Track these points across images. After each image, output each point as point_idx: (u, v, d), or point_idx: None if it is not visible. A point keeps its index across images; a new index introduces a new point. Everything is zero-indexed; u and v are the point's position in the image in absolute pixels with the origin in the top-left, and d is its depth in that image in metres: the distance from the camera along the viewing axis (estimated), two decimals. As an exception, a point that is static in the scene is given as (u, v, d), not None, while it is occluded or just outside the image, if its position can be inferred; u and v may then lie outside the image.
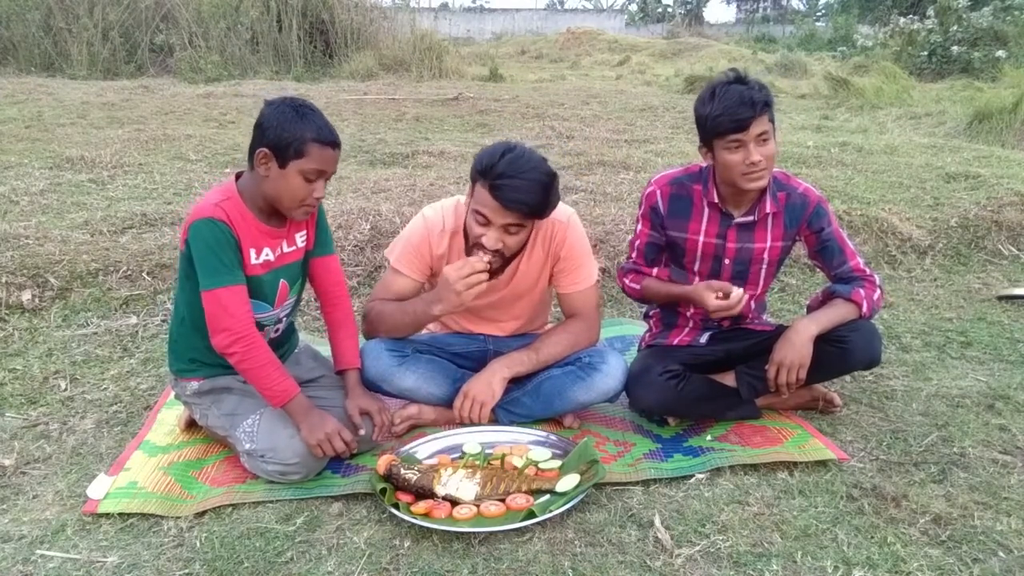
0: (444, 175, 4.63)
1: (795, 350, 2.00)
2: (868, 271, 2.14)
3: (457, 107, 7.95)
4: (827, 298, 2.16)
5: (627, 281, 2.27)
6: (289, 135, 1.72)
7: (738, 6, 42.90)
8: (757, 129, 1.93)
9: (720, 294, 2.03)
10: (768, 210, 2.11)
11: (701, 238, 2.15)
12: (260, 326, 1.92)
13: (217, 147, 5.40)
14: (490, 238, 1.93)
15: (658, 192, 2.17)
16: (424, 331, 2.40)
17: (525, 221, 1.94)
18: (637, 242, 2.25)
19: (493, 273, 2.02)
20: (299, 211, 1.83)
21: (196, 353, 1.95)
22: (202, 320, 1.83)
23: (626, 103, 8.73)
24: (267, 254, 1.89)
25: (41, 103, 7.11)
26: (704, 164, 2.16)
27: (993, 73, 10.57)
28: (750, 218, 2.12)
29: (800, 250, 2.39)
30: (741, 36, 28.67)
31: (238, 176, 1.88)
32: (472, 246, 2.00)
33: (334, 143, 1.79)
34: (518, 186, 1.86)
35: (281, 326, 2.03)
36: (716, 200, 2.10)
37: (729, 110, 1.93)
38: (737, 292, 2.02)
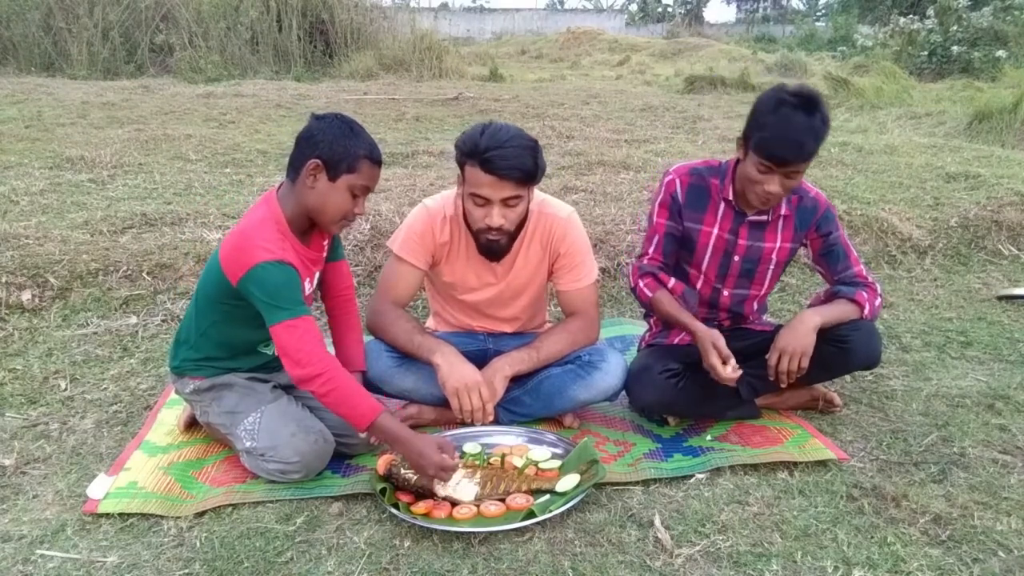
0: (444, 175, 4.63)
1: (798, 338, 2.00)
2: (870, 279, 2.15)
3: (457, 107, 7.95)
4: (829, 298, 2.17)
5: (641, 284, 2.17)
6: (343, 149, 1.74)
7: (738, 6, 42.93)
8: (792, 168, 1.91)
9: (721, 357, 1.98)
10: (782, 212, 2.11)
11: (715, 231, 2.14)
12: None
13: (217, 147, 5.40)
14: (494, 217, 1.95)
15: (677, 181, 2.15)
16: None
17: (521, 190, 1.95)
18: (656, 236, 2.17)
19: (500, 253, 2.06)
20: (337, 225, 1.85)
21: (212, 359, 1.95)
22: (232, 335, 1.88)
23: (626, 103, 8.73)
24: (316, 278, 1.93)
25: (41, 103, 7.10)
26: (722, 160, 2.16)
27: (993, 73, 10.57)
28: (763, 217, 2.12)
29: (801, 251, 2.39)
30: (741, 36, 28.68)
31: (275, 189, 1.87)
32: (477, 232, 2.01)
33: (381, 161, 1.83)
34: (507, 154, 1.88)
35: None
36: (731, 197, 2.10)
37: (779, 142, 1.87)
38: (734, 367, 1.98)
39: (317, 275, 1.97)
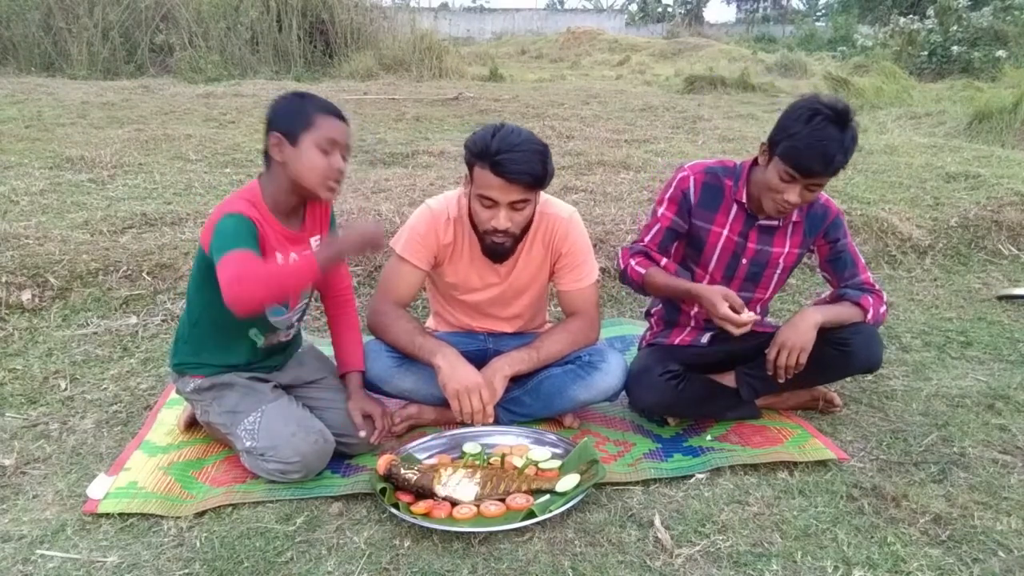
0: (444, 175, 4.63)
1: (798, 333, 1.99)
2: (877, 287, 2.14)
3: (457, 107, 7.95)
4: (834, 300, 2.16)
5: (633, 263, 2.14)
6: (294, 113, 1.78)
7: (738, 6, 42.99)
8: (816, 180, 1.91)
9: (731, 305, 1.96)
10: (792, 217, 2.11)
11: (725, 232, 2.12)
12: (273, 329, 1.95)
13: (217, 147, 5.40)
14: (500, 220, 1.95)
15: (692, 178, 2.13)
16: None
17: (529, 194, 1.95)
18: (656, 226, 2.15)
19: (503, 256, 2.06)
20: (324, 188, 1.81)
21: (206, 353, 1.95)
22: (221, 320, 1.86)
23: (626, 103, 8.73)
24: (292, 258, 1.91)
25: (41, 103, 7.10)
26: (737, 162, 2.15)
27: (993, 73, 10.58)
28: (774, 222, 2.11)
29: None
30: (741, 36, 28.71)
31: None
32: (483, 233, 2.01)
33: (339, 114, 1.82)
34: (517, 158, 1.88)
35: (292, 331, 2.04)
36: (744, 200, 2.09)
37: (809, 152, 1.85)
38: (749, 314, 1.97)
39: (293, 257, 1.93)
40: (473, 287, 2.19)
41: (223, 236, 1.71)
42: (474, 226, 2.06)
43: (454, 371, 1.95)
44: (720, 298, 1.96)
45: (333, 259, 1.77)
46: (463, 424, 2.04)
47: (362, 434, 1.96)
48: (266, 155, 1.84)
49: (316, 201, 1.89)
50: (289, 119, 1.78)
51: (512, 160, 1.87)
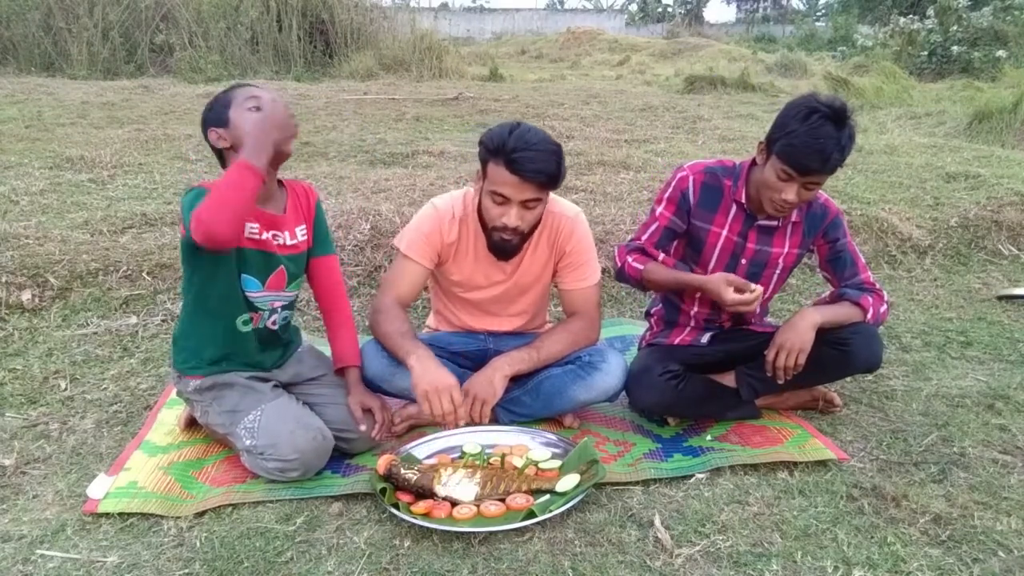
0: (444, 175, 4.63)
1: (797, 334, 1.99)
2: (878, 286, 2.14)
3: (457, 107, 7.95)
4: (834, 300, 2.16)
5: (630, 260, 2.15)
6: (214, 107, 1.88)
7: (738, 6, 43.02)
8: (813, 178, 1.91)
9: (736, 288, 1.97)
10: (792, 218, 2.11)
11: (724, 232, 2.13)
12: (254, 307, 1.94)
13: (217, 147, 5.39)
14: (512, 217, 1.95)
15: (691, 178, 2.13)
16: (424, 329, 2.41)
17: (542, 193, 1.96)
18: (654, 225, 2.16)
19: (510, 253, 2.07)
20: (278, 132, 1.80)
21: (202, 348, 1.95)
22: (209, 304, 1.90)
23: (626, 103, 8.73)
24: (270, 234, 1.92)
25: (41, 103, 7.10)
26: (736, 162, 2.15)
27: (993, 73, 10.59)
28: (773, 222, 2.11)
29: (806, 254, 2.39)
30: (741, 36, 28.73)
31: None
32: (492, 230, 2.01)
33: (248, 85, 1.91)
34: (533, 157, 1.89)
35: (276, 318, 2.02)
36: (743, 200, 2.09)
37: (806, 150, 1.85)
38: (756, 289, 1.98)
39: (279, 239, 1.95)
40: (478, 285, 2.20)
41: (188, 206, 1.76)
42: (483, 223, 2.06)
43: (426, 372, 1.90)
44: (724, 286, 1.98)
45: (257, 149, 1.73)
46: (437, 426, 1.99)
47: (362, 428, 1.97)
48: (217, 153, 1.90)
49: (281, 154, 1.86)
50: (212, 112, 1.87)
51: (528, 159, 1.88)
